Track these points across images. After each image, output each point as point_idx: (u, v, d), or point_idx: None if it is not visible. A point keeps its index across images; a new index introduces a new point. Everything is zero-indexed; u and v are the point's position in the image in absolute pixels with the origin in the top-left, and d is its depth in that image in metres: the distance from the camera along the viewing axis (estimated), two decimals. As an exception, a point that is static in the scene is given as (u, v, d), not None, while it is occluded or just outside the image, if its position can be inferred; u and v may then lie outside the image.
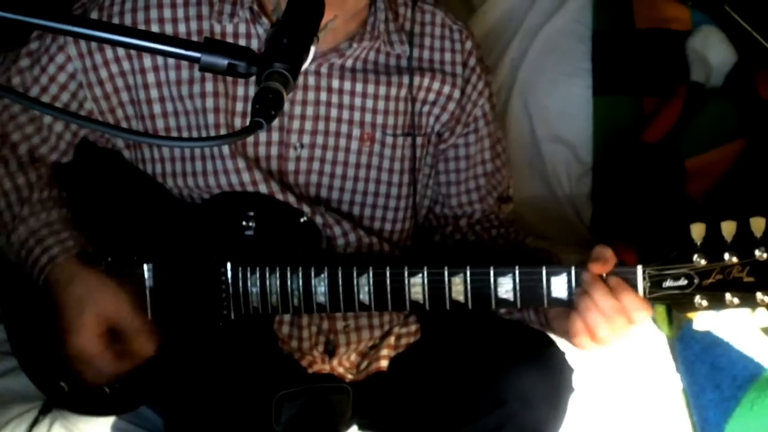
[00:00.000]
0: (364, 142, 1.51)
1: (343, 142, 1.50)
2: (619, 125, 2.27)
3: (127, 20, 1.43)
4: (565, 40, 2.34)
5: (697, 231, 1.25)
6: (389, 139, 1.52)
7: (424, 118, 1.55)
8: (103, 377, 1.40)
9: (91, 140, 1.52)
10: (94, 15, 1.45)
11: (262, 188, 1.46)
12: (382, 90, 1.51)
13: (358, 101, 1.50)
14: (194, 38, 1.44)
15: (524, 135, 2.31)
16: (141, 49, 1.00)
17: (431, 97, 1.55)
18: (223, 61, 0.98)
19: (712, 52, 2.22)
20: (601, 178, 2.26)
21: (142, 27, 1.43)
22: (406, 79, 1.51)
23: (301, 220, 1.46)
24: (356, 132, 1.51)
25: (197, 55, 0.98)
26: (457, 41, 1.57)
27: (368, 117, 1.51)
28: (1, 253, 1.46)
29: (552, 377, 1.38)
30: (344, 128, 1.50)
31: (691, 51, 2.24)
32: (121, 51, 1.44)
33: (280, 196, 1.46)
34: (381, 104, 1.51)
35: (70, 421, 1.55)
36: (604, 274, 1.30)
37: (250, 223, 1.44)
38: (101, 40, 1.00)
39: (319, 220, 1.48)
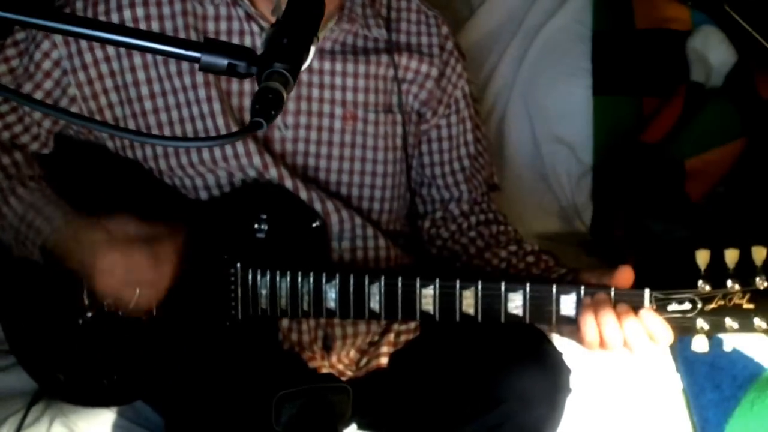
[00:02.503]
0: (347, 121, 1.53)
1: (326, 121, 1.52)
2: (619, 125, 2.27)
3: (113, 3, 1.45)
4: (565, 40, 2.34)
5: (702, 258, 1.28)
6: (371, 116, 1.55)
7: (404, 96, 1.58)
8: (149, 285, 1.37)
9: (75, 130, 1.52)
10: (79, 4, 1.46)
11: (256, 160, 1.46)
12: (362, 68, 1.53)
13: (338, 80, 1.52)
14: (178, 20, 1.46)
15: (524, 135, 2.31)
16: (141, 49, 1.00)
17: (409, 75, 1.58)
18: (223, 61, 0.98)
19: (712, 52, 2.22)
20: (601, 178, 2.26)
21: (126, 10, 1.45)
22: (384, 58, 1.55)
23: (313, 225, 1.47)
24: (338, 111, 1.53)
25: (197, 55, 0.98)
26: (433, 26, 1.61)
27: (349, 96, 1.53)
28: None
29: (550, 377, 1.39)
30: (326, 108, 1.52)
31: (691, 51, 2.24)
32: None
33: (273, 170, 1.46)
34: (361, 82, 1.53)
35: (70, 419, 1.55)
36: (613, 301, 1.32)
37: (262, 226, 1.44)
38: (101, 40, 0.99)
39: (313, 196, 1.48)
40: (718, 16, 2.24)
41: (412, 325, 1.58)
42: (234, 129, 1.47)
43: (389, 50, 1.55)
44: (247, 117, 1.47)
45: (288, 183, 1.47)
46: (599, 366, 1.71)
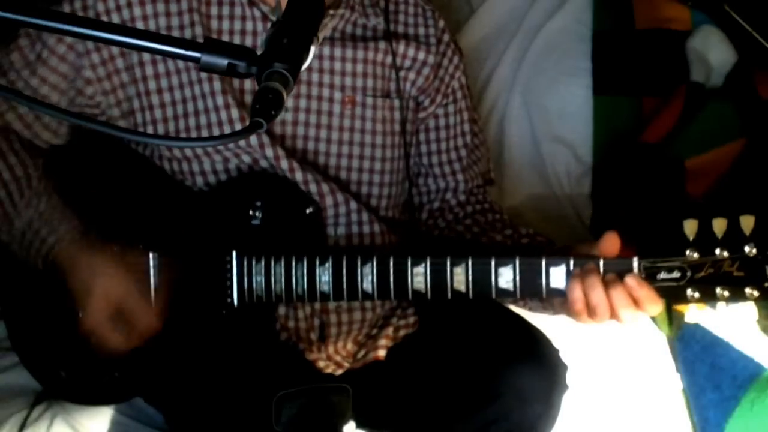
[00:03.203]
0: (346, 105, 1.55)
1: (325, 105, 1.54)
2: (619, 125, 2.27)
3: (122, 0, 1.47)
4: (565, 40, 2.34)
5: (690, 227, 1.30)
6: (369, 101, 1.57)
7: (401, 82, 1.60)
8: (114, 354, 1.41)
9: (88, 114, 1.53)
10: (89, 2, 1.48)
11: (253, 140, 1.47)
12: (360, 54, 1.56)
13: (337, 65, 1.55)
14: (184, 3, 1.49)
15: (524, 135, 2.31)
16: (141, 49, 1.01)
17: (407, 62, 1.61)
18: (223, 61, 0.99)
19: (712, 52, 2.22)
20: (601, 178, 2.26)
21: (136, 7, 1.47)
22: (382, 45, 1.58)
23: (307, 211, 1.48)
24: (338, 95, 1.55)
25: (197, 55, 0.98)
26: (430, 18, 1.65)
27: (348, 80, 1.56)
28: (2, 246, 1.47)
29: (546, 373, 1.39)
30: (326, 92, 1.54)
31: (691, 51, 2.24)
32: (115, 17, 1.48)
33: (269, 150, 1.48)
34: (359, 67, 1.56)
35: (71, 416, 1.56)
36: (602, 271, 1.34)
37: (257, 213, 1.45)
38: (102, 41, 1.00)
39: (309, 178, 1.49)
40: (718, 16, 2.24)
41: (411, 319, 1.58)
42: (234, 109, 1.48)
43: (387, 38, 1.57)
44: (248, 99, 1.49)
45: (284, 164, 1.49)
46: (598, 365, 1.71)
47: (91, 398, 1.53)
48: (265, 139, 1.48)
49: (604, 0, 2.36)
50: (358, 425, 1.55)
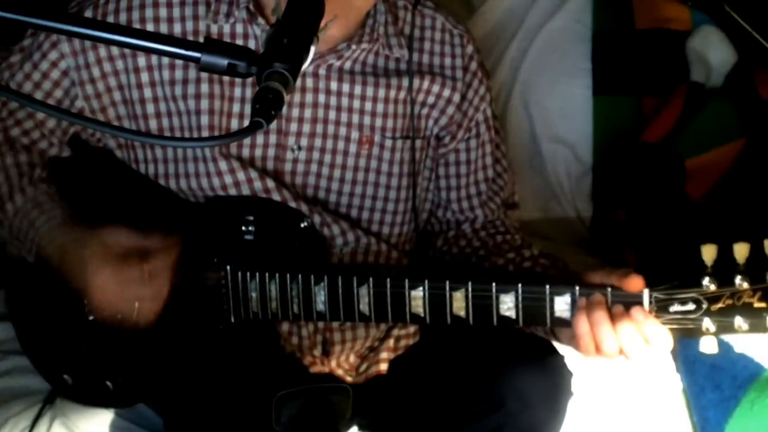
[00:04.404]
0: (363, 145, 1.50)
1: (341, 145, 1.49)
2: (619, 125, 2.27)
3: (122, 18, 1.43)
4: (565, 40, 2.34)
5: (708, 253, 1.21)
6: (388, 142, 1.51)
7: (423, 120, 1.54)
8: (144, 298, 1.37)
9: (83, 139, 1.52)
10: (88, 13, 1.45)
11: (257, 185, 1.45)
12: (381, 92, 1.50)
13: (356, 103, 1.49)
14: (190, 38, 1.41)
15: (524, 135, 2.31)
16: (141, 49, 1.00)
17: (431, 99, 1.54)
18: (223, 61, 0.98)
19: (712, 52, 2.22)
20: (601, 178, 2.26)
21: (137, 26, 1.43)
22: (405, 82, 1.50)
23: (302, 225, 1.45)
24: (355, 135, 1.50)
25: (197, 55, 0.98)
26: (458, 45, 1.56)
27: (367, 120, 1.50)
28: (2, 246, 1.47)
29: (550, 379, 1.37)
30: (343, 131, 1.49)
31: (691, 51, 2.24)
32: (115, 50, 1.44)
33: (276, 194, 1.45)
34: (380, 107, 1.50)
35: (70, 419, 1.56)
36: (609, 302, 1.27)
37: (250, 228, 1.43)
38: (101, 40, 0.99)
39: (317, 219, 1.47)
40: (718, 16, 2.24)
41: (412, 329, 1.57)
42: (234, 151, 1.44)
43: (411, 73, 1.50)
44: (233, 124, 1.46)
45: (291, 206, 1.46)
46: (599, 366, 1.70)
47: (95, 401, 1.53)
48: (270, 184, 1.45)
49: (604, 0, 2.37)
50: (360, 429, 1.55)
